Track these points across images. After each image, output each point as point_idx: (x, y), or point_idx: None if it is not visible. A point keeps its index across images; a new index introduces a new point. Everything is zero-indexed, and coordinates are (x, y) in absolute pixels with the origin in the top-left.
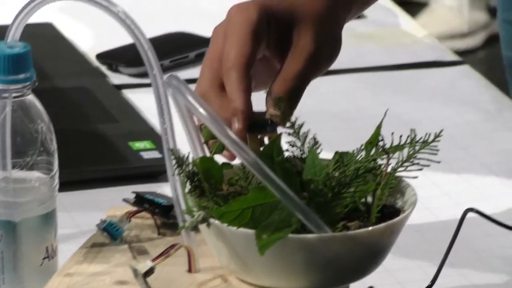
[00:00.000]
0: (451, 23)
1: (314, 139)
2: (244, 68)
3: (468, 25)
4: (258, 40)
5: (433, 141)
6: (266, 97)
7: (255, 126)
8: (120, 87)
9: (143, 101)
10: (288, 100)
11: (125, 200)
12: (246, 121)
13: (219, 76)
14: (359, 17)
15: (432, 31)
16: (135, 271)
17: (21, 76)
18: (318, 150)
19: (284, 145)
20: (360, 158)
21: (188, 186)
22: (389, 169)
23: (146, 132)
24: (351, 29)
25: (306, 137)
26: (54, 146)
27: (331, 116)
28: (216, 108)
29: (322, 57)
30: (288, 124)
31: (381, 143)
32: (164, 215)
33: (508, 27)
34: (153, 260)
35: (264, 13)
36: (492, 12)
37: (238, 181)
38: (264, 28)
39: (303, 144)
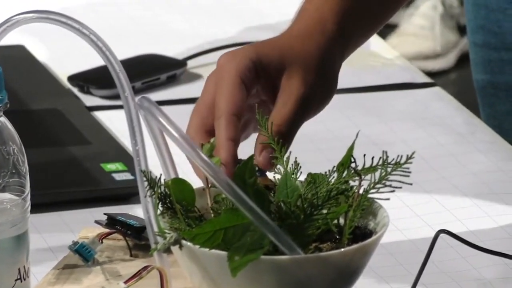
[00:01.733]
0: (423, 44)
1: (296, 162)
2: (232, 117)
3: (441, 45)
4: (247, 88)
5: (405, 163)
6: (256, 143)
7: None
8: (92, 108)
9: (115, 122)
10: (277, 144)
11: (97, 222)
12: (231, 169)
13: (207, 123)
14: None
15: (403, 52)
16: None
17: None
18: (298, 174)
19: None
20: (332, 180)
21: (160, 208)
22: (361, 191)
23: (118, 153)
24: None
25: (288, 160)
26: (26, 167)
27: (302, 137)
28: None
29: (313, 99)
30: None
31: (353, 165)
32: (136, 236)
33: (477, 49)
34: (126, 281)
35: (252, 61)
36: (461, 30)
37: (224, 199)
38: (253, 76)
39: (285, 168)
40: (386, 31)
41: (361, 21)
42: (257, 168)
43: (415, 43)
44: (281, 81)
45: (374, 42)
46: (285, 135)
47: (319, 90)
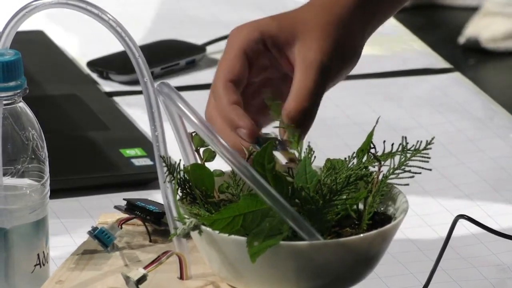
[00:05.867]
0: (506, 24)
1: (309, 147)
2: (227, 83)
3: None
4: (248, 59)
5: (424, 148)
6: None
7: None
8: (111, 94)
9: (134, 108)
10: (302, 120)
11: (116, 207)
12: (248, 123)
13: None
14: None
15: (495, 31)
16: (127, 279)
17: (12, 83)
18: (312, 158)
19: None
20: (351, 166)
21: (179, 193)
22: (380, 177)
23: (137, 139)
24: None
25: (302, 145)
26: (45, 153)
27: (322, 124)
28: (220, 129)
29: (333, 67)
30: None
31: (372, 151)
32: (155, 222)
33: None
34: (145, 267)
35: (259, 33)
36: None
37: (228, 188)
38: (260, 48)
39: (300, 152)
40: (468, 13)
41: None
42: (277, 142)
43: (504, 22)
44: (295, 52)
45: (395, 28)
46: (309, 110)
47: (338, 60)
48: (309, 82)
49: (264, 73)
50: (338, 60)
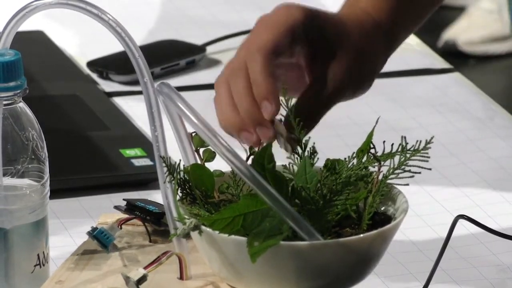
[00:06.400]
0: (492, 27)
1: (313, 147)
2: (269, 54)
3: (510, 27)
4: (293, 36)
5: (424, 148)
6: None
7: None
8: (111, 94)
9: (134, 108)
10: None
11: (116, 207)
12: (277, 102)
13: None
14: None
15: (473, 35)
16: (127, 279)
17: (12, 83)
18: (315, 159)
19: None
20: (351, 166)
21: (179, 194)
22: (380, 177)
23: (137, 139)
24: None
25: (306, 145)
26: (45, 153)
27: (322, 124)
28: (240, 87)
29: (349, 90)
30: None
31: (372, 151)
32: (155, 222)
33: None
34: (145, 267)
35: (309, 18)
36: None
37: (228, 188)
38: (303, 31)
39: (303, 152)
40: (454, 14)
41: (410, 20)
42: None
43: (484, 26)
44: (328, 55)
45: None
46: (314, 119)
47: (354, 82)
48: (326, 96)
49: (291, 57)
50: (356, 84)
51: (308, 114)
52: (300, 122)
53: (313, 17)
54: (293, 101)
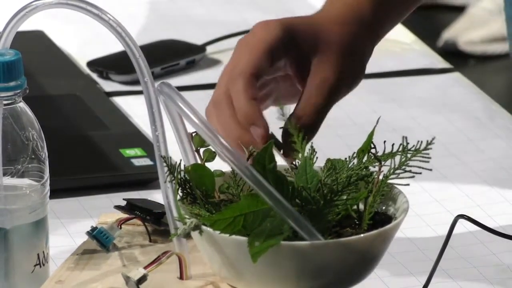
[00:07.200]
0: (492, 27)
1: (312, 148)
2: (250, 78)
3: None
4: (272, 56)
5: (425, 148)
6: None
7: None
8: (111, 94)
9: (134, 108)
10: (306, 132)
11: (116, 207)
12: (264, 123)
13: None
14: None
15: (473, 35)
16: (127, 279)
17: (12, 83)
18: (314, 159)
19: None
20: (352, 166)
21: (179, 194)
22: (381, 177)
23: (137, 139)
24: None
25: (305, 145)
26: (45, 153)
27: (322, 124)
28: (226, 116)
29: (342, 88)
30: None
31: (373, 151)
32: (155, 222)
33: None
34: (146, 267)
35: (286, 33)
36: None
37: (229, 188)
38: (283, 48)
39: (302, 153)
40: (455, 14)
41: (394, 11)
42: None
43: (484, 26)
44: (312, 62)
45: (394, 28)
46: (315, 125)
47: (349, 79)
48: (319, 101)
49: (277, 72)
50: (349, 80)
51: (307, 122)
52: (300, 131)
53: (291, 30)
54: (291, 109)
